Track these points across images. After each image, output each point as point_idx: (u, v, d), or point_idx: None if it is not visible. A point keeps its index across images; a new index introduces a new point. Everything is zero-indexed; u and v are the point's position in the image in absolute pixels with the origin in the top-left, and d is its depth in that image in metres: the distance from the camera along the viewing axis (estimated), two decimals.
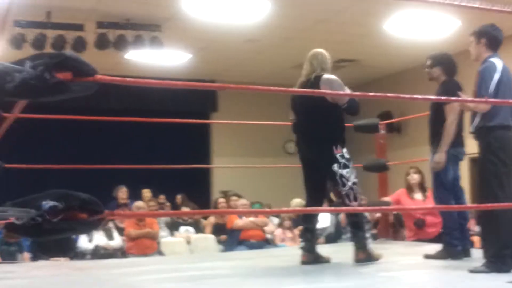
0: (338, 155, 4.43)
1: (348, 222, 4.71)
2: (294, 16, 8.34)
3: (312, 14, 8.27)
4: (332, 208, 4.74)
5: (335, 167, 4.41)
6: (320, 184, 4.61)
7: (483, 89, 3.92)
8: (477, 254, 4.36)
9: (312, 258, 4.55)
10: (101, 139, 11.15)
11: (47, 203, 2.15)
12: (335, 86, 4.45)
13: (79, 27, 8.06)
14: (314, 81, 4.47)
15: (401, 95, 3.25)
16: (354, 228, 4.49)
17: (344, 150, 4.50)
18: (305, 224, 4.70)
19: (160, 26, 8.40)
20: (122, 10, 7.94)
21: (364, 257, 4.38)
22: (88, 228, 2.38)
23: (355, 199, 4.45)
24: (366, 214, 5.87)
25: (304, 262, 4.54)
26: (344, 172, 4.43)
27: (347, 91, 4.54)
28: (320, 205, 4.58)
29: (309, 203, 4.64)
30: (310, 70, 4.59)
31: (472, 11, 7.48)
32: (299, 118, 4.65)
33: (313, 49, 4.80)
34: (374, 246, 4.91)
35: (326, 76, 4.49)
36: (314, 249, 4.61)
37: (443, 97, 4.58)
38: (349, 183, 4.43)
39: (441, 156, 4.62)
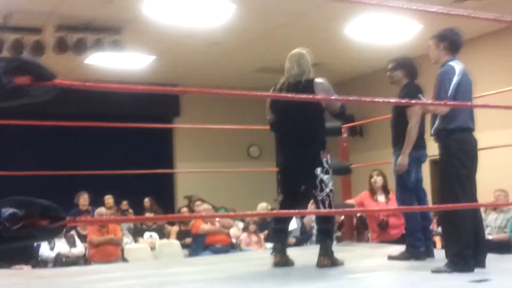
0: (324, 160, 4.47)
1: (317, 228, 4.70)
2: (257, 20, 8.36)
3: (274, 17, 8.30)
4: (298, 211, 4.71)
5: (318, 170, 4.43)
6: (298, 187, 4.58)
7: (442, 92, 3.97)
8: (440, 255, 4.41)
9: (284, 259, 4.54)
10: (61, 145, 10.97)
11: (7, 211, 2.10)
12: (330, 92, 4.48)
13: (37, 31, 7.93)
14: (306, 85, 4.43)
15: (362, 98, 3.26)
16: (323, 235, 4.51)
17: (328, 156, 4.53)
18: (278, 225, 4.64)
19: (120, 29, 8.31)
20: (81, 13, 7.82)
21: (328, 263, 4.38)
22: (49, 235, 2.33)
23: (330, 206, 4.46)
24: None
25: (277, 264, 4.50)
26: (325, 177, 4.45)
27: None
28: (294, 208, 4.56)
29: (283, 205, 4.57)
30: (299, 71, 4.51)
31: (433, 15, 7.63)
32: (284, 119, 4.56)
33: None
34: (338, 249, 4.94)
35: (320, 80, 4.51)
36: (285, 251, 4.60)
37: (403, 100, 4.63)
38: (327, 190, 4.45)
39: (404, 159, 4.68)
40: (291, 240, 7.78)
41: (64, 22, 7.98)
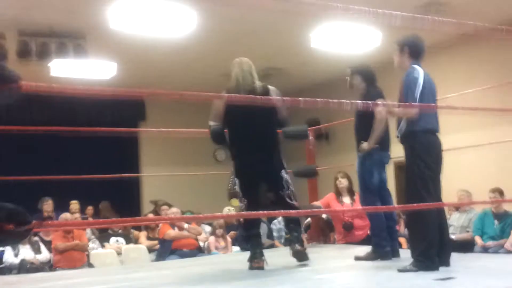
0: (284, 163, 4.74)
1: (287, 219, 4.91)
2: (221, 29, 8.35)
3: (240, 26, 8.30)
4: (266, 212, 4.77)
5: (283, 172, 4.67)
6: (260, 190, 4.77)
7: (410, 96, 4.02)
8: (406, 254, 4.48)
9: (264, 263, 4.61)
10: (25, 151, 10.79)
11: None
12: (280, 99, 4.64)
13: None
14: (263, 92, 4.61)
15: (330, 100, 3.30)
16: (293, 224, 4.73)
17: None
18: (252, 231, 4.77)
19: (84, 36, 8.21)
20: (44, 19, 7.70)
21: (304, 250, 4.62)
22: (15, 239, 2.31)
23: (295, 199, 4.69)
24: None
25: (260, 268, 4.56)
26: (288, 177, 4.72)
27: None
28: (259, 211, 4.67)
29: (250, 209, 4.62)
30: (251, 79, 4.68)
31: (394, 25, 7.71)
32: (245, 125, 4.64)
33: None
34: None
35: (273, 88, 4.72)
36: (263, 254, 4.69)
37: (370, 103, 4.69)
38: (291, 187, 4.69)
39: (367, 145, 4.80)
40: (266, 241, 7.83)
41: (26, 27, 7.86)
